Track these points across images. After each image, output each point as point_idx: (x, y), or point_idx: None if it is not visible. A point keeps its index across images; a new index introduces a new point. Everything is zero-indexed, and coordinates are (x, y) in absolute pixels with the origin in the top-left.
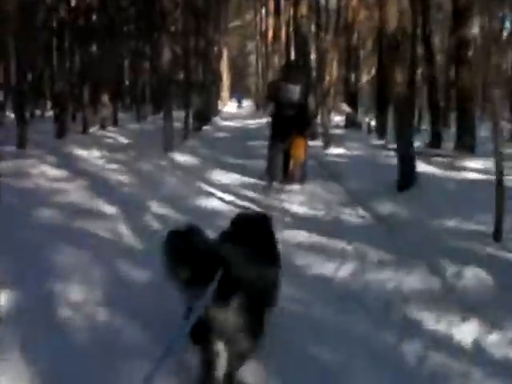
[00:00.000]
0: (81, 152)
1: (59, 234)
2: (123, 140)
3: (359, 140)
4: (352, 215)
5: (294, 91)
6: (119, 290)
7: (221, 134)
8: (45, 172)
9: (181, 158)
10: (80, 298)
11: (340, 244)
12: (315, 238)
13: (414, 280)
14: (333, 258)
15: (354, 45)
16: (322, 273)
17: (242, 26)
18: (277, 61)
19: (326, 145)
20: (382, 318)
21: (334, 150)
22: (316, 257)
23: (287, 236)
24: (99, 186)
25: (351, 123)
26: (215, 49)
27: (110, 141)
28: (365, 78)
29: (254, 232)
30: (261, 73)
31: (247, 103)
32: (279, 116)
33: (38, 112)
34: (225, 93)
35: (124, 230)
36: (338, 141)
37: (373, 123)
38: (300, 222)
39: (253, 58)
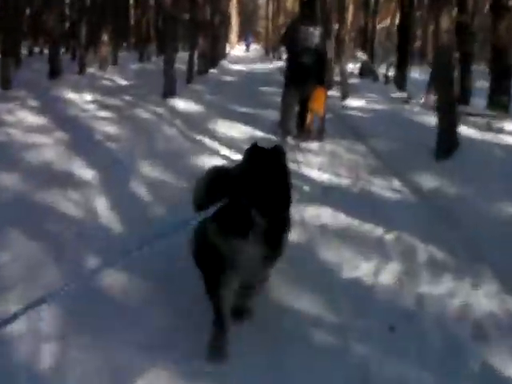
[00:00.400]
0: (71, 95)
1: (12, 213)
2: (121, 82)
3: (377, 91)
4: (385, 188)
5: (314, 35)
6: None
7: (228, 78)
8: (23, 119)
9: (182, 104)
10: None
11: (376, 231)
12: (343, 220)
13: (486, 298)
14: (368, 254)
15: None
16: (355, 278)
17: None
18: (289, 4)
19: (344, 96)
20: (449, 367)
21: (353, 102)
22: (345, 250)
23: (308, 215)
24: (82, 139)
25: (367, 72)
26: None
27: (107, 83)
28: (380, 25)
29: (266, 167)
30: (271, 16)
31: (255, 47)
32: (296, 62)
33: (36, 49)
34: (233, 36)
35: (101, 205)
36: (355, 91)
37: (390, 73)
38: (321, 193)
39: (262, 1)
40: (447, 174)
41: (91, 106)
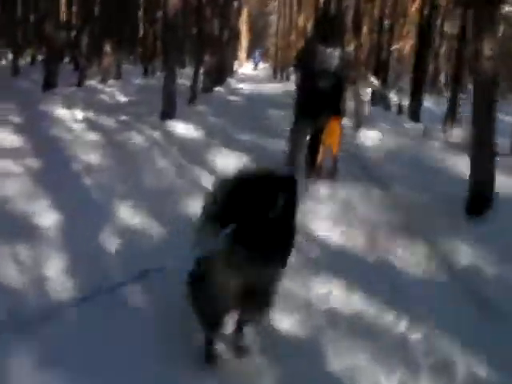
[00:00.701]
0: (61, 111)
1: None
2: (121, 97)
3: (391, 122)
4: (408, 257)
5: (332, 56)
6: None
7: (234, 98)
8: None
9: (182, 128)
10: None
11: (398, 325)
12: (356, 304)
13: None
14: (389, 362)
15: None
16: None
17: None
18: (301, 22)
19: (357, 126)
20: None
21: (367, 134)
22: (359, 353)
23: (314, 292)
24: (57, 169)
25: (378, 99)
26: (234, 4)
27: (105, 98)
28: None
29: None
30: (281, 34)
31: (264, 66)
32: (310, 87)
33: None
34: (242, 53)
35: (52, 268)
36: (367, 120)
37: (403, 102)
38: (330, 260)
39: (273, 18)
40: (483, 239)
41: (79, 126)
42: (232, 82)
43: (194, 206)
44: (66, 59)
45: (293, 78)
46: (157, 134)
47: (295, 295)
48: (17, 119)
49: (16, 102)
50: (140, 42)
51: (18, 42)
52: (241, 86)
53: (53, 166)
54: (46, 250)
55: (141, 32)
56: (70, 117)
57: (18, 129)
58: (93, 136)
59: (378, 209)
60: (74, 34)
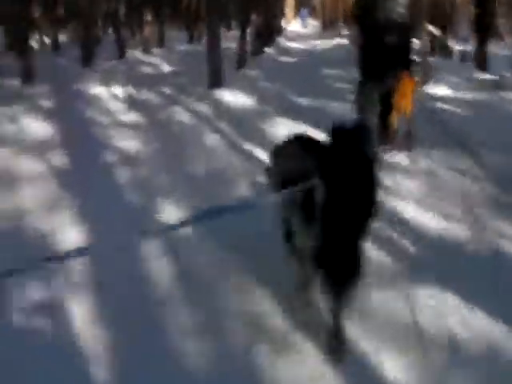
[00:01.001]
0: (98, 89)
1: None
2: (165, 68)
3: (457, 72)
4: None
5: (397, 2)
6: None
7: (285, 59)
8: (22, 129)
9: (231, 97)
10: None
11: None
12: (482, 329)
13: None
14: None
15: None
16: None
17: None
18: None
19: (426, 80)
20: None
21: (436, 89)
22: None
23: (418, 309)
24: (87, 165)
25: (440, 49)
26: None
27: (147, 69)
28: None
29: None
30: None
31: (312, 23)
32: (374, 45)
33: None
34: (289, 11)
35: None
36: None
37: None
38: (433, 258)
39: None
40: None
41: (117, 105)
42: (282, 41)
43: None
44: (108, 31)
45: (344, 32)
46: (204, 107)
47: (394, 313)
48: (49, 103)
49: (52, 81)
50: (183, 5)
51: (57, 17)
52: (291, 44)
53: (82, 161)
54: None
55: None
56: (108, 95)
57: (50, 114)
58: (132, 116)
59: (471, 181)
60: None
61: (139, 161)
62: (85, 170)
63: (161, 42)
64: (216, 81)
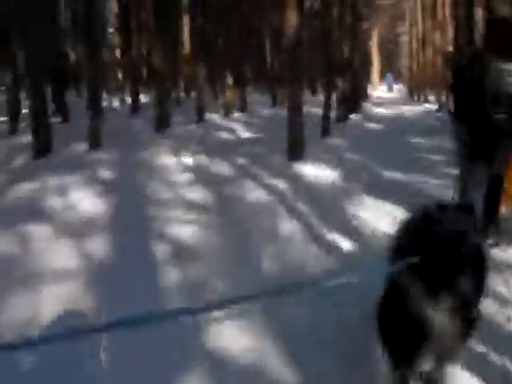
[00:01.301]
0: (166, 159)
1: None
2: (244, 133)
3: None
4: None
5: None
6: None
7: (372, 126)
8: (72, 204)
9: (312, 171)
10: None
11: None
12: None
13: None
14: None
15: None
16: None
17: (393, 5)
18: (437, 39)
19: None
20: None
21: None
22: None
23: None
24: (132, 256)
25: None
26: (364, 27)
27: (225, 135)
28: None
29: None
30: (414, 55)
31: (397, 87)
32: (480, 121)
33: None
34: (375, 76)
35: None
36: None
37: None
38: None
39: (404, 39)
40: None
41: (183, 179)
42: (368, 106)
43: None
44: (191, 94)
45: (431, 99)
46: (281, 183)
47: None
48: (109, 173)
49: (120, 147)
50: (266, 67)
51: (136, 77)
52: (377, 110)
53: (125, 253)
54: None
55: (267, 59)
56: (175, 165)
57: (106, 188)
58: (197, 193)
59: None
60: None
61: (195, 255)
62: (125, 265)
63: (243, 106)
64: (296, 152)
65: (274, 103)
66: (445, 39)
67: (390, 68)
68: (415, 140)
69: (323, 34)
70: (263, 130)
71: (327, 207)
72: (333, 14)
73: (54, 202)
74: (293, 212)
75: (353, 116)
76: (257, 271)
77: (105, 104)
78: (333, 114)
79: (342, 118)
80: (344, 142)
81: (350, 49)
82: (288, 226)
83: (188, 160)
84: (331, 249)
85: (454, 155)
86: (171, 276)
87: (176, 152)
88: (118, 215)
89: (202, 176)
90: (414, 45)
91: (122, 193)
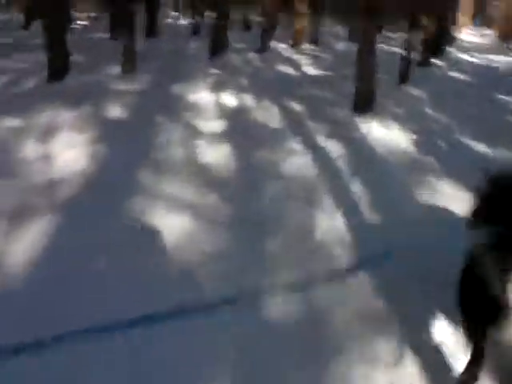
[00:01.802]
0: (204, 95)
1: None
2: (310, 69)
3: None
4: None
5: None
6: None
7: (458, 75)
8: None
9: (380, 130)
10: None
11: None
12: None
13: None
14: None
15: None
16: None
17: None
18: None
19: None
20: None
21: None
22: None
23: None
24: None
25: None
26: None
27: (287, 69)
28: None
29: None
30: None
31: (486, 32)
32: None
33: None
34: (462, 17)
35: None
36: None
37: None
38: None
39: None
40: None
41: (211, 127)
42: (453, 51)
43: None
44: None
45: None
46: (336, 146)
47: None
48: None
49: (153, 74)
50: None
51: None
52: (464, 57)
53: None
54: None
55: None
56: (211, 105)
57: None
58: (220, 152)
59: None
60: None
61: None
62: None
63: (314, 37)
64: (365, 102)
65: (351, 37)
66: None
67: (482, 10)
68: (504, 98)
69: None
70: (332, 68)
71: (392, 187)
72: None
73: None
74: (343, 195)
75: (436, 61)
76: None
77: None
78: (415, 57)
79: (425, 63)
80: (423, 94)
81: None
82: (336, 217)
83: (230, 99)
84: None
85: None
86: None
87: (219, 86)
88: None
89: (234, 127)
90: None
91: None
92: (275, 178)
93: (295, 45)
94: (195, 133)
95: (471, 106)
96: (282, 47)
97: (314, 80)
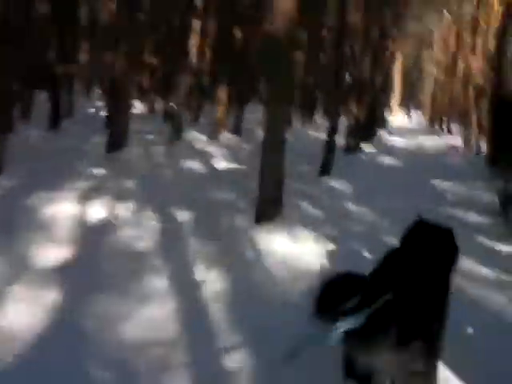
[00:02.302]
0: (69, 206)
1: None
2: (221, 163)
3: None
4: None
5: None
6: None
7: (388, 161)
8: None
9: (288, 244)
10: None
11: None
12: None
13: None
14: None
15: None
16: None
17: (417, 34)
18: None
19: None
20: None
21: None
22: None
23: None
24: None
25: None
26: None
27: (192, 163)
28: None
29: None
30: (440, 81)
31: (417, 115)
32: None
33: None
34: (394, 102)
35: None
36: None
37: None
38: None
39: (427, 68)
40: None
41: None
42: (384, 135)
43: None
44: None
45: (455, 131)
46: (218, 280)
47: None
48: None
49: (35, 178)
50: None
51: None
52: (395, 140)
53: None
54: None
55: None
56: (69, 220)
57: None
58: (40, 306)
59: None
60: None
61: None
62: None
63: (237, 126)
64: (269, 209)
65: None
66: (471, 67)
67: (410, 95)
68: (443, 185)
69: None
70: (248, 161)
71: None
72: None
73: None
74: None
75: (365, 146)
76: None
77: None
78: (347, 142)
79: (353, 149)
80: (346, 187)
81: (370, 69)
82: None
83: (97, 212)
84: None
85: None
86: None
87: (94, 194)
88: None
89: (86, 252)
90: (439, 73)
91: None
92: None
93: (214, 135)
94: (26, 266)
95: (405, 196)
96: (198, 138)
97: (220, 177)
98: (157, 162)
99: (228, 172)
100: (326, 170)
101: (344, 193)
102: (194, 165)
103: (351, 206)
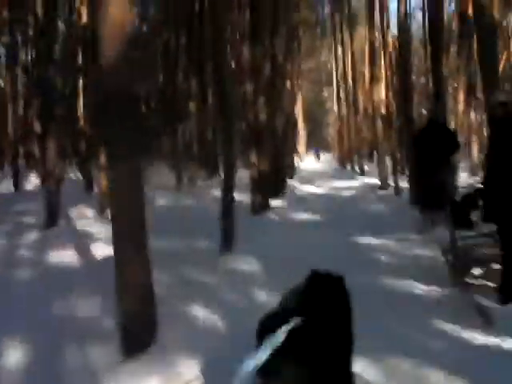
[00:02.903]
0: None
1: None
2: (105, 252)
3: None
4: None
5: None
6: None
7: (302, 218)
8: None
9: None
10: None
11: None
12: None
13: None
14: None
15: None
16: None
17: (316, 69)
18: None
19: None
20: None
21: None
22: None
23: None
24: None
25: None
26: (288, 87)
27: (67, 255)
28: None
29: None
30: (346, 119)
31: (326, 157)
32: None
33: None
34: (301, 146)
35: None
36: None
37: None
38: None
39: (330, 105)
40: None
41: None
42: (294, 184)
43: None
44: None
45: (369, 169)
46: None
47: None
48: None
49: None
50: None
51: None
52: (307, 189)
53: None
54: None
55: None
56: None
57: None
58: None
59: None
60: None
61: None
62: None
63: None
64: (137, 342)
65: (179, 184)
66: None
67: (316, 136)
68: (369, 242)
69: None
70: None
71: None
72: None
73: None
74: None
75: (275, 203)
76: None
77: None
78: (248, 202)
79: (260, 208)
80: (253, 266)
81: (269, 112)
82: None
83: None
84: None
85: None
86: None
87: None
88: None
89: None
90: (344, 110)
91: None
92: None
93: (104, 211)
94: None
95: (319, 266)
96: (86, 215)
97: (92, 275)
98: (17, 257)
99: (107, 262)
100: (226, 245)
101: (250, 275)
102: (66, 256)
103: (258, 296)
